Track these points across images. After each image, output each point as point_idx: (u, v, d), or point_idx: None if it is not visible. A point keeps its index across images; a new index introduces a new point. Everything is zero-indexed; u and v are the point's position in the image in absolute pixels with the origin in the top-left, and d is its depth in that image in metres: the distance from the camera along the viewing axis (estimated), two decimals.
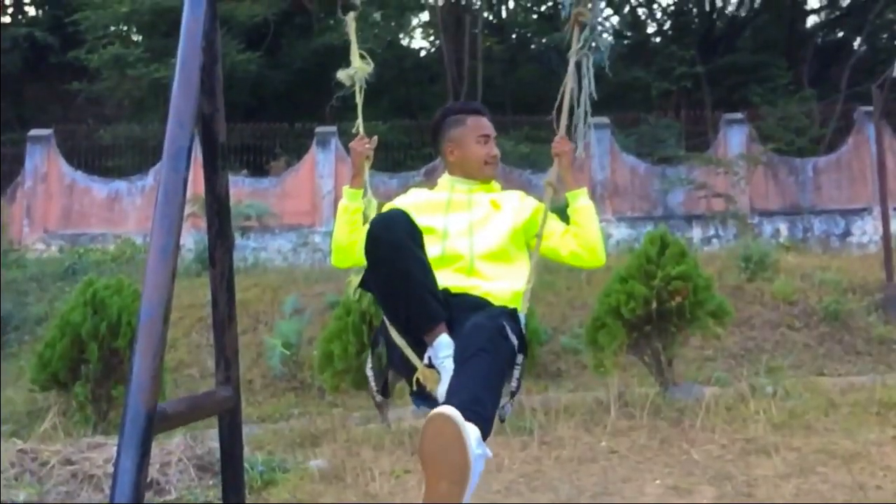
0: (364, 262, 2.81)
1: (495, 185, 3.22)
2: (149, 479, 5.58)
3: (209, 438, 6.37)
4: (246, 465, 5.04)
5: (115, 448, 3.01)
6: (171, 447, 6.09)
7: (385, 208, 3.04)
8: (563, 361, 10.13)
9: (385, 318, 2.77)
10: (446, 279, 2.75)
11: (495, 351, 2.45)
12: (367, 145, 3.16)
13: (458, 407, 2.16)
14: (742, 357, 9.65)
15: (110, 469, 5.25)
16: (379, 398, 3.02)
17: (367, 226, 2.70)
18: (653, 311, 7.45)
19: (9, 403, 9.07)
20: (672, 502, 5.13)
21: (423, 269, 2.59)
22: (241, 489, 4.68)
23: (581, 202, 3.06)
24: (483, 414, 2.27)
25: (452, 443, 2.11)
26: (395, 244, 2.55)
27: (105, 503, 5.22)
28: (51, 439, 6.57)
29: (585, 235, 3.02)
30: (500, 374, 2.49)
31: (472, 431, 2.16)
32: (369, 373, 2.94)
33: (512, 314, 2.69)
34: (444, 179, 3.19)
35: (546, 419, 6.88)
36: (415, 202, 3.07)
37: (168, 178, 3.80)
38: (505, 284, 2.84)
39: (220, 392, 4.57)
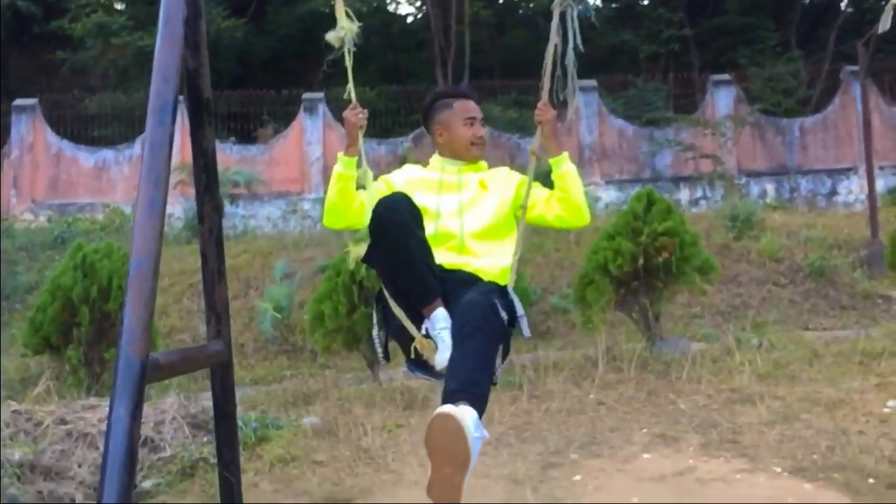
0: (354, 225, 3.17)
1: (483, 164, 3.36)
2: (143, 437, 5.66)
3: (203, 399, 6.45)
4: (239, 422, 5.09)
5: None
6: (165, 406, 6.15)
7: (380, 182, 3.26)
8: (553, 321, 10.23)
9: (385, 291, 2.97)
10: (440, 257, 2.95)
11: (489, 330, 2.67)
12: (360, 115, 3.22)
13: (457, 389, 2.51)
14: (728, 314, 9.77)
15: (105, 428, 5.32)
16: (384, 361, 3.28)
17: (373, 207, 2.90)
18: (640, 268, 7.53)
19: (2, 371, 9.11)
20: (658, 450, 5.24)
21: (423, 249, 2.83)
22: (235, 443, 4.76)
23: (564, 168, 3.17)
24: (479, 393, 2.55)
25: (455, 437, 2.37)
26: (399, 226, 2.78)
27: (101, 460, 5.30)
28: (45, 402, 6.63)
29: (570, 200, 3.17)
30: (493, 352, 2.72)
31: (470, 418, 2.42)
32: (375, 339, 3.15)
33: (502, 291, 2.88)
34: (435, 160, 3.35)
35: (535, 375, 6.97)
36: (409, 179, 3.26)
37: (153, 133, 3.82)
38: (494, 261, 3.06)
39: (212, 346, 4.63)
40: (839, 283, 10.39)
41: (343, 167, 3.18)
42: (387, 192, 3.18)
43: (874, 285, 10.34)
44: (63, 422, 5.69)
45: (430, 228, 3.03)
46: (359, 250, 3.22)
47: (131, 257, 3.57)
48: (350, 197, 3.18)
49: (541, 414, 6.17)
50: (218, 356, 4.49)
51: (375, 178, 3.28)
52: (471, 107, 3.32)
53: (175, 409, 6.09)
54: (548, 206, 3.19)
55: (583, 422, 5.91)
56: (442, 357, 2.71)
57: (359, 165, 3.23)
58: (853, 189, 16.35)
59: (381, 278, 2.98)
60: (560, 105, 3.38)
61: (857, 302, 9.99)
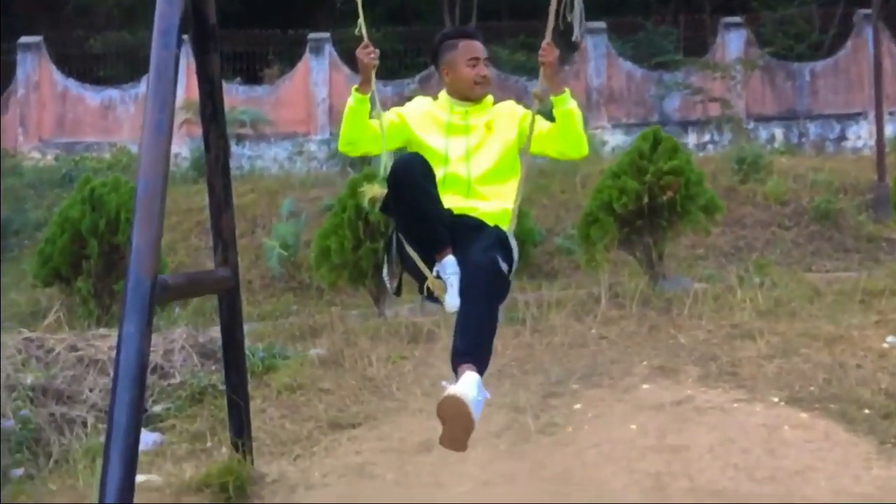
0: (370, 152, 3.46)
1: (489, 101, 3.47)
2: (153, 364, 5.76)
3: (211, 331, 6.56)
4: (247, 352, 5.21)
5: None
6: (174, 336, 6.27)
7: (392, 113, 3.43)
8: (557, 261, 10.29)
9: (400, 233, 3.26)
10: (448, 200, 3.22)
11: (493, 294, 3.04)
12: (372, 55, 3.30)
13: (464, 351, 2.91)
14: (732, 255, 9.82)
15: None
16: (395, 296, 3.59)
17: (391, 167, 3.17)
18: (644, 206, 7.55)
19: (12, 305, 9.23)
20: (658, 381, 5.33)
21: (435, 205, 3.11)
22: (242, 368, 4.87)
23: (566, 106, 3.29)
24: (483, 355, 2.94)
25: (461, 412, 2.77)
26: (413, 185, 3.05)
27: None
28: (56, 332, 6.74)
29: (570, 136, 3.34)
30: (495, 312, 3.09)
31: (474, 385, 2.81)
32: (386, 277, 3.43)
33: (503, 242, 3.16)
34: (443, 97, 3.47)
35: (538, 311, 7.04)
36: (420, 112, 3.44)
37: (159, 56, 3.85)
38: (498, 203, 3.29)
39: (220, 272, 4.71)
40: (844, 226, 10.40)
41: (356, 103, 3.32)
42: (398, 123, 3.40)
43: (879, 228, 10.35)
44: (74, 349, 5.82)
45: (438, 172, 3.24)
46: (374, 189, 3.47)
47: (138, 179, 3.63)
48: (364, 127, 3.34)
49: (543, 347, 6.26)
50: (225, 282, 4.58)
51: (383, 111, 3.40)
52: (474, 47, 3.44)
53: (184, 338, 6.21)
54: (549, 140, 3.37)
55: (584, 355, 6.00)
56: (451, 301, 3.03)
57: (372, 105, 3.35)
58: (862, 134, 16.21)
59: (398, 226, 3.26)
60: (567, 47, 3.44)
61: (861, 245, 10.02)
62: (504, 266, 3.08)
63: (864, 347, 5.75)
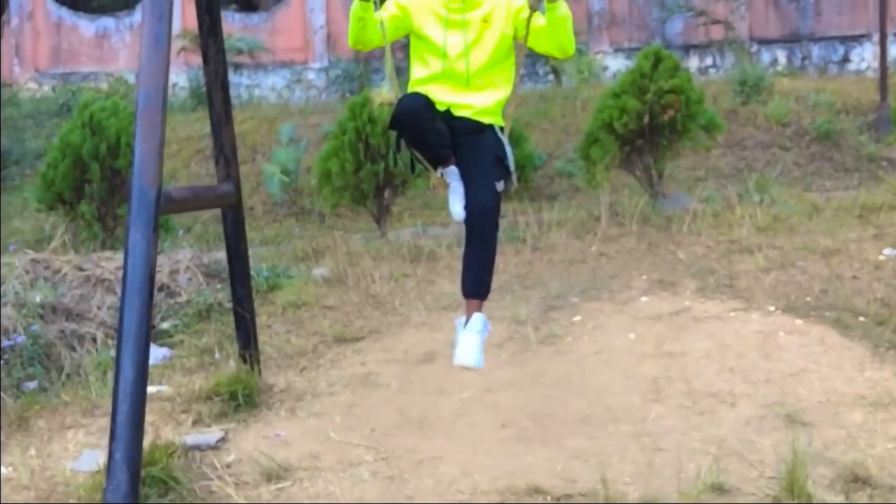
0: (378, 44, 3.57)
1: None
2: (159, 284, 5.85)
3: (215, 253, 6.63)
4: (252, 272, 5.27)
5: None
6: (179, 257, 6.34)
7: (391, 2, 3.54)
8: (557, 184, 10.31)
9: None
10: (446, 93, 3.49)
11: (493, 231, 3.42)
12: None
13: (469, 288, 3.45)
14: (732, 177, 9.82)
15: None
16: (410, 173, 4.45)
17: (395, 107, 3.45)
18: (645, 126, 7.55)
19: (16, 232, 9.29)
20: (656, 293, 5.41)
21: (438, 135, 3.43)
22: (247, 281, 4.94)
23: (559, 12, 3.43)
24: (485, 289, 3.47)
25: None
26: (418, 123, 3.40)
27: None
28: (61, 254, 6.81)
29: (559, 38, 3.50)
30: (495, 246, 3.49)
31: (479, 325, 3.39)
32: (399, 160, 3.87)
33: (500, 157, 3.47)
34: None
35: (539, 230, 7.10)
36: (421, 2, 3.54)
37: None
38: (492, 95, 3.54)
39: (222, 187, 4.75)
40: (844, 147, 10.38)
41: (360, 10, 3.45)
42: (400, 15, 3.53)
43: (880, 148, 10.32)
44: (80, 269, 5.89)
45: (437, 66, 3.50)
46: (383, 95, 3.70)
47: (138, 91, 3.65)
48: (369, 26, 3.49)
49: (543, 264, 6.33)
50: (228, 197, 4.62)
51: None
52: None
53: (189, 259, 6.27)
54: (540, 38, 3.52)
55: (584, 270, 6.07)
56: (454, 209, 3.47)
57: (376, 8, 3.47)
58: (866, 56, 16.03)
59: (406, 141, 3.61)
60: None
61: (862, 164, 10.01)
62: (500, 185, 3.46)
63: (861, 259, 5.82)
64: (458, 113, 3.51)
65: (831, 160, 10.13)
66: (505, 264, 6.26)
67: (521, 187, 9.49)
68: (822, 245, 6.06)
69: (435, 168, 3.55)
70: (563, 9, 3.44)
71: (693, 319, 4.89)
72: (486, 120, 3.54)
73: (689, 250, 6.26)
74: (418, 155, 3.58)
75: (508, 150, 3.53)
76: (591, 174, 7.73)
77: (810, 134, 10.58)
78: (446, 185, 3.51)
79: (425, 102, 3.45)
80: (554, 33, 3.47)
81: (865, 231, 6.37)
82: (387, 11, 3.50)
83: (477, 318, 3.40)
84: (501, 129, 3.58)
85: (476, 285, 3.44)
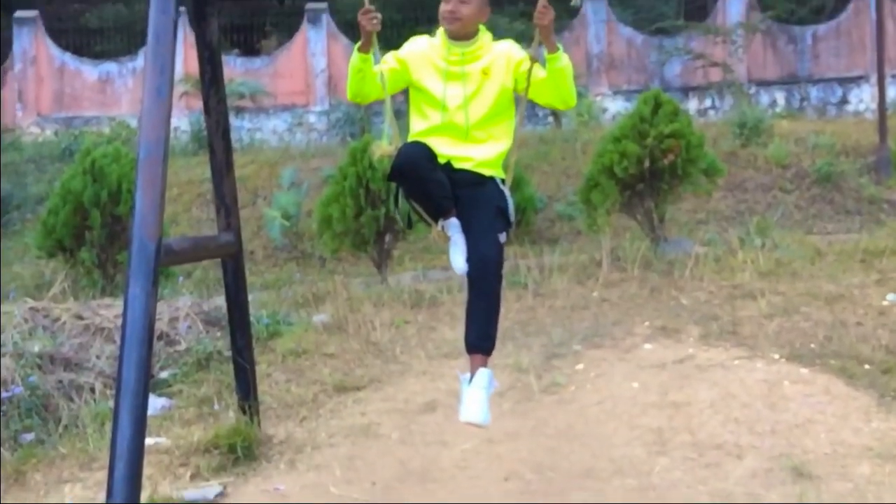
0: (378, 97, 3.55)
1: (485, 40, 3.51)
2: (159, 332, 5.81)
3: (215, 299, 6.59)
4: (252, 319, 5.24)
5: None
6: (179, 304, 6.31)
7: (390, 56, 3.51)
8: (558, 227, 10.31)
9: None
10: (446, 146, 3.42)
11: (497, 282, 3.36)
12: (374, 21, 3.36)
13: (473, 342, 3.35)
14: (733, 219, 9.81)
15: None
16: (407, 228, 4.05)
17: (397, 153, 3.38)
18: (645, 170, 7.55)
19: (17, 278, 9.27)
20: (659, 341, 5.37)
21: (439, 186, 3.35)
22: (247, 331, 4.90)
23: (559, 64, 3.40)
24: (489, 343, 3.36)
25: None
26: (417, 174, 3.32)
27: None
28: (60, 303, 6.78)
29: (561, 91, 3.48)
30: (499, 298, 3.40)
31: (485, 381, 3.28)
32: (396, 214, 3.71)
33: (502, 209, 3.42)
34: (440, 36, 3.52)
35: (540, 275, 7.07)
36: (419, 54, 3.52)
37: (157, 21, 3.85)
38: (492, 149, 3.48)
39: (223, 237, 4.74)
40: (845, 189, 10.39)
41: (359, 62, 3.42)
42: (399, 69, 3.50)
43: (880, 190, 10.34)
44: (80, 318, 5.85)
45: (436, 118, 3.45)
46: (383, 148, 3.61)
47: (139, 142, 3.65)
48: (369, 79, 3.46)
49: (545, 310, 6.30)
50: (229, 246, 4.61)
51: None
52: None
53: (188, 307, 6.24)
54: (541, 90, 3.48)
55: (586, 317, 6.04)
56: (456, 263, 3.37)
57: (375, 62, 3.44)
58: (864, 98, 16.14)
59: (405, 194, 3.52)
60: (565, 13, 3.48)
61: (863, 206, 10.02)
62: (503, 236, 3.41)
63: (865, 305, 5.79)
64: (458, 165, 3.46)
65: (832, 202, 10.13)
66: (507, 310, 6.20)
67: (522, 230, 9.50)
68: (826, 290, 6.03)
69: (435, 221, 3.46)
70: (564, 60, 3.41)
71: (697, 368, 4.85)
72: (487, 172, 3.48)
73: (692, 296, 6.23)
74: (418, 208, 3.48)
75: (510, 201, 3.48)
76: (592, 219, 7.72)
77: (811, 176, 10.61)
78: (447, 239, 3.43)
79: (426, 152, 3.39)
80: (555, 85, 3.44)
81: (868, 276, 6.35)
82: (386, 64, 3.47)
83: (482, 373, 3.31)
84: (503, 181, 3.53)
85: (480, 339, 3.36)
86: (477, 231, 3.38)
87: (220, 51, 4.64)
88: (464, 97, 3.45)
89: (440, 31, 3.49)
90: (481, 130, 3.48)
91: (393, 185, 3.63)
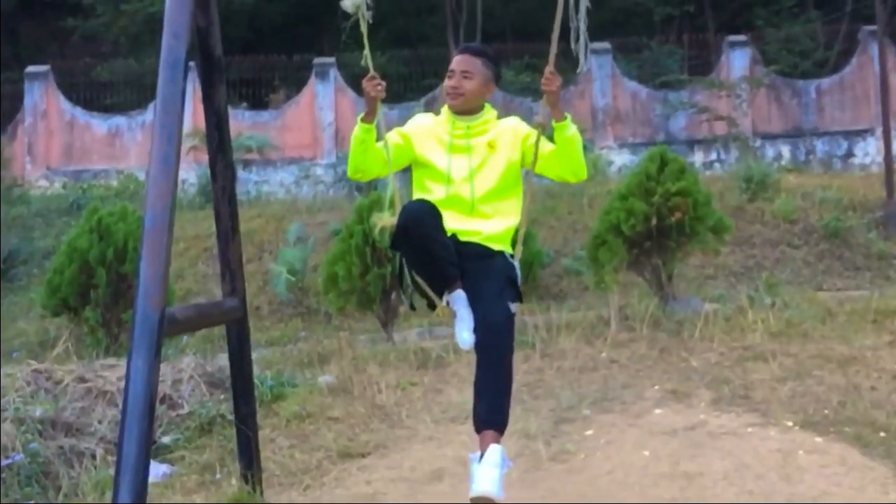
0: (378, 175, 3.47)
1: (490, 116, 3.51)
2: (161, 395, 5.73)
3: (219, 359, 6.53)
4: (256, 381, 5.17)
5: None
6: (182, 366, 6.24)
7: (394, 133, 3.48)
8: (566, 283, 10.26)
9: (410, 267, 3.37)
10: (452, 220, 3.30)
11: (508, 352, 3.22)
12: (378, 87, 3.33)
13: (485, 419, 3.12)
14: (742, 275, 9.76)
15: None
16: (411, 310, 3.78)
17: (400, 212, 3.26)
18: (653, 228, 7.52)
19: (21, 334, 9.24)
20: (670, 405, 5.28)
21: (445, 249, 3.20)
22: (251, 398, 4.83)
23: (568, 132, 3.36)
24: (502, 418, 3.13)
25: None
26: (423, 235, 3.16)
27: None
28: (64, 362, 6.73)
29: (570, 162, 3.40)
30: (511, 367, 3.26)
31: (497, 459, 3.03)
32: (402, 296, 3.64)
33: (511, 279, 3.29)
34: (445, 112, 3.53)
35: (548, 335, 7.00)
36: (422, 129, 3.50)
37: (165, 89, 3.86)
38: (501, 224, 3.38)
39: (227, 302, 4.68)
40: (854, 244, 10.34)
41: (362, 132, 3.36)
42: (403, 145, 3.44)
43: (889, 246, 10.29)
44: (82, 380, 5.79)
45: (441, 192, 3.37)
46: (384, 220, 3.54)
47: (146, 212, 3.62)
48: (371, 154, 3.39)
49: (553, 372, 6.21)
50: (233, 312, 4.55)
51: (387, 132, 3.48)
52: (455, 60, 3.53)
53: (192, 368, 6.17)
54: (549, 163, 3.42)
55: (595, 379, 5.95)
56: (462, 338, 3.20)
57: (378, 135, 3.40)
58: (870, 151, 16.18)
59: (408, 264, 3.37)
60: (572, 69, 3.47)
61: (872, 262, 9.95)
62: (514, 307, 3.27)
63: (878, 368, 5.69)
64: (465, 238, 3.33)
65: (841, 258, 10.08)
66: (514, 372, 6.14)
67: (529, 286, 9.45)
68: (838, 353, 5.94)
69: (440, 293, 3.29)
70: (572, 129, 3.36)
71: (709, 435, 4.74)
72: (495, 246, 3.37)
73: (702, 357, 6.15)
74: (422, 282, 3.34)
75: (519, 274, 3.37)
76: (600, 276, 7.67)
77: (818, 231, 10.57)
78: (453, 315, 3.25)
79: (432, 209, 3.23)
80: (564, 156, 3.38)
81: (880, 338, 6.26)
82: (389, 140, 3.42)
83: (494, 450, 3.04)
84: (512, 255, 3.41)
85: (491, 413, 3.11)
86: (486, 299, 3.21)
87: (228, 117, 4.64)
88: (469, 169, 3.39)
89: (445, 108, 3.49)
90: (488, 205, 3.38)
91: (397, 255, 3.49)
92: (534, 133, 3.37)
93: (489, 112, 3.49)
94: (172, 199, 3.52)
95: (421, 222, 3.18)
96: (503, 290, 3.27)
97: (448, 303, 3.26)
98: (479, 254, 3.32)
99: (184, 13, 3.80)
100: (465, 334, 3.19)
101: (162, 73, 3.66)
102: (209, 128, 4.67)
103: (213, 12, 4.55)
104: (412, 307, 3.59)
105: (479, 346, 3.19)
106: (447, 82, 3.48)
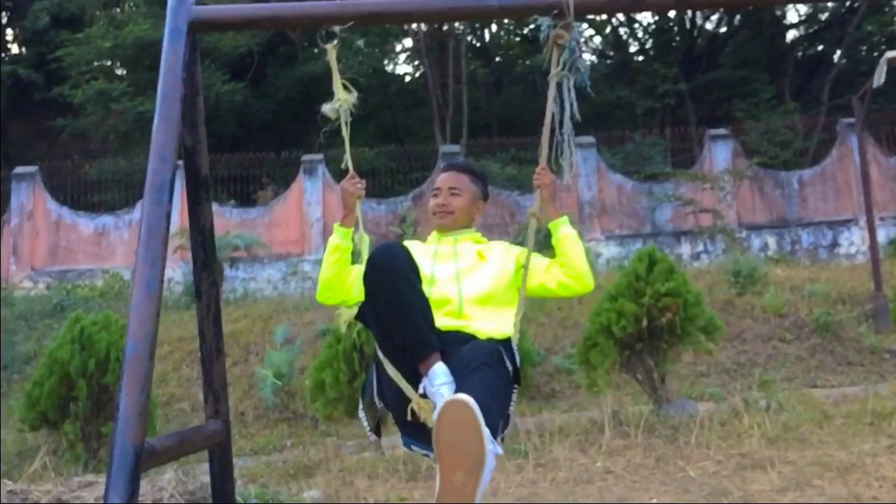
0: (349, 300, 3.09)
1: (479, 237, 3.31)
2: None
3: (201, 473, 6.31)
4: (239, 498, 4.99)
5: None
6: (163, 483, 6.01)
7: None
8: (557, 382, 10.09)
9: (379, 350, 2.79)
10: (437, 322, 2.79)
11: (496, 367, 2.61)
12: (358, 186, 3.18)
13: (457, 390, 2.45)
14: (735, 371, 9.64)
15: None
16: (373, 437, 3.12)
17: (368, 255, 2.80)
18: (644, 329, 7.44)
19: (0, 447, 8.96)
20: None
21: (420, 299, 2.70)
22: None
23: (563, 231, 3.11)
24: (489, 421, 2.36)
25: (469, 430, 2.25)
26: (396, 272, 2.65)
27: None
28: (41, 479, 6.49)
29: (571, 264, 3.07)
30: (501, 388, 2.62)
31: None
32: (361, 414, 3.06)
33: (506, 345, 2.82)
34: (432, 234, 3.32)
35: (541, 441, 6.85)
36: (408, 244, 3.14)
37: (151, 212, 3.80)
38: (493, 325, 2.92)
39: (210, 426, 4.53)
40: (845, 339, 10.27)
41: (339, 238, 3.16)
42: None
43: (881, 340, 10.22)
44: (59, 502, 5.56)
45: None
46: (350, 313, 3.17)
47: (127, 339, 3.51)
48: (344, 270, 3.16)
49: (547, 484, 6.03)
50: (216, 436, 4.38)
51: (372, 243, 3.18)
52: (441, 178, 3.33)
53: (173, 486, 5.95)
54: (549, 274, 3.10)
55: (590, 492, 5.77)
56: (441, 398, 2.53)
57: (356, 232, 3.20)
58: (854, 240, 16.31)
59: (376, 335, 2.79)
60: (559, 167, 3.33)
61: (865, 357, 9.86)
62: (509, 365, 2.74)
63: (879, 477, 5.54)
64: (449, 327, 2.85)
65: (833, 353, 9.98)
66: (507, 484, 5.98)
67: (521, 386, 9.29)
68: (837, 460, 5.80)
69: (415, 369, 2.63)
70: (568, 228, 3.09)
71: None
72: (483, 337, 2.84)
73: (700, 466, 5.98)
74: (391, 370, 2.69)
75: (518, 358, 2.84)
76: (592, 379, 7.54)
77: (809, 325, 10.51)
78: (430, 412, 2.54)
79: (404, 253, 2.77)
80: (565, 260, 3.03)
81: (879, 442, 6.13)
82: (366, 240, 3.17)
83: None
84: (509, 339, 2.89)
85: (468, 392, 2.40)
86: (467, 363, 2.60)
87: (213, 235, 4.58)
88: (455, 271, 3.05)
89: (432, 234, 3.32)
90: (477, 308, 2.96)
91: (362, 384, 3.01)
92: (526, 250, 3.07)
93: (478, 232, 3.33)
94: (154, 326, 3.41)
95: (394, 258, 2.70)
96: (493, 345, 2.75)
97: (424, 390, 2.61)
98: (464, 339, 2.80)
99: (171, 135, 3.76)
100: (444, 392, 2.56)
101: (147, 196, 3.61)
102: (194, 245, 4.59)
103: (201, 131, 4.53)
104: (377, 432, 3.05)
105: (458, 370, 2.60)
106: (433, 201, 3.26)
